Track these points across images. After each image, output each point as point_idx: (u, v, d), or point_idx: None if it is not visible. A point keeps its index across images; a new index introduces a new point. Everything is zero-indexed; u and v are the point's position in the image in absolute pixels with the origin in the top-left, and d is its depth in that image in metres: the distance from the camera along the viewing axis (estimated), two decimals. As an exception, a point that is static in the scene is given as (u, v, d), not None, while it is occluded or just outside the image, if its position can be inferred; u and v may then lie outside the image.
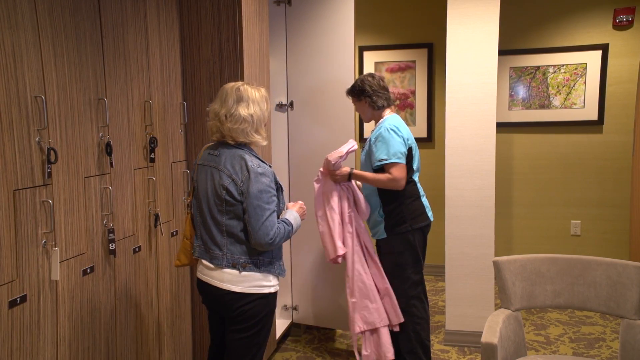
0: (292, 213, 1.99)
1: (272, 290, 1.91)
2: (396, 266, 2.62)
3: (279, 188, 1.91)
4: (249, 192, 1.79)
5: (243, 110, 1.83)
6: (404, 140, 2.53)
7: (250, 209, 1.79)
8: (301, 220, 2.04)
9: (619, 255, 4.02)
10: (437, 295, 4.04)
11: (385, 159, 2.49)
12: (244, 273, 1.85)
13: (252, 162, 1.83)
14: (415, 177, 2.65)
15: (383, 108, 2.65)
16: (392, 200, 2.58)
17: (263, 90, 1.94)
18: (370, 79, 2.65)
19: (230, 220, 1.85)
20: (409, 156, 2.57)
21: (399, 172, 2.49)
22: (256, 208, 1.78)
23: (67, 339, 1.78)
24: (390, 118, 2.61)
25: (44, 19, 1.66)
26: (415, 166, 2.62)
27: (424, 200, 2.67)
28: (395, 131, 2.52)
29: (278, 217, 1.91)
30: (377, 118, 2.67)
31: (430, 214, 2.68)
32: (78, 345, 1.84)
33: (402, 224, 2.58)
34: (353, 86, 2.69)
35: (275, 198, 1.85)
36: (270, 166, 1.95)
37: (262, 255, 1.88)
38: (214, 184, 1.86)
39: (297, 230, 2.00)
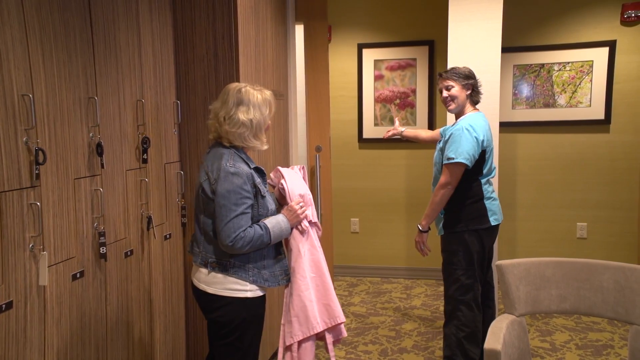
0: (275, 217, 1.89)
1: (248, 295, 1.85)
2: (448, 265, 2.62)
3: (257, 192, 1.85)
4: (217, 191, 1.78)
5: (242, 115, 1.81)
6: (477, 140, 2.49)
7: (216, 208, 1.78)
8: (294, 223, 1.93)
9: (627, 259, 3.94)
10: (438, 300, 3.97)
11: (453, 158, 2.47)
12: (212, 274, 1.84)
13: (227, 161, 1.80)
14: (483, 179, 2.60)
15: (477, 102, 2.64)
16: (453, 198, 2.56)
17: (267, 93, 1.90)
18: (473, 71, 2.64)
19: (205, 218, 1.86)
20: (481, 159, 2.54)
21: (449, 176, 2.50)
22: (222, 208, 1.77)
23: (55, 346, 1.73)
24: (470, 116, 2.57)
25: (31, 15, 1.63)
26: (485, 169, 2.59)
27: (490, 202, 2.61)
28: (469, 130, 2.48)
29: (257, 222, 1.85)
30: (461, 113, 2.62)
31: (493, 217, 2.61)
32: (67, 353, 1.79)
33: (457, 224, 2.58)
34: (459, 68, 2.61)
35: (247, 200, 1.80)
36: (259, 168, 1.90)
37: (233, 257, 1.84)
38: (197, 181, 1.90)
39: (282, 236, 1.90)
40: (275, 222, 1.87)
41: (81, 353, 1.86)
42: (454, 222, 2.59)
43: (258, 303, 1.90)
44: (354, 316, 3.69)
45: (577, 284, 2.15)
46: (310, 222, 2.02)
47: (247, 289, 1.85)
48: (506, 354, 1.94)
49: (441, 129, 2.86)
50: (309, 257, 2.00)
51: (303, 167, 2.14)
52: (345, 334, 2.10)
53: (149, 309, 2.28)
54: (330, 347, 2.05)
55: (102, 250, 1.94)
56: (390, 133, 3.11)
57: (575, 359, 3.01)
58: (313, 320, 1.97)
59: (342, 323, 2.04)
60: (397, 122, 3.16)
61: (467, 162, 2.48)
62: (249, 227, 1.80)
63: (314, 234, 2.04)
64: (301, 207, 1.95)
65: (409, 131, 3.12)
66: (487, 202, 2.61)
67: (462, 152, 2.47)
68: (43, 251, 1.66)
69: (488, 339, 1.94)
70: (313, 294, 1.98)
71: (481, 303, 2.68)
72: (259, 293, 1.89)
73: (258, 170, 1.91)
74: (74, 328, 1.83)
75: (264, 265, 1.89)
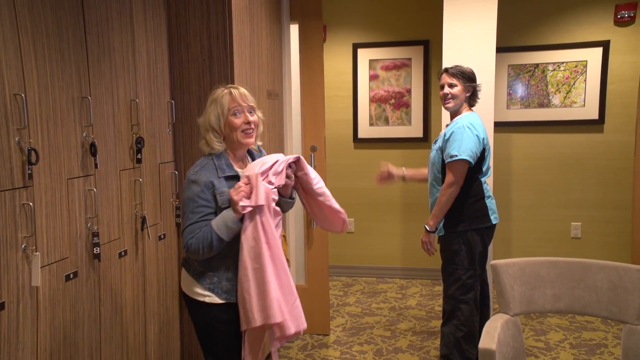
0: (221, 214, 1.74)
1: (206, 299, 1.83)
2: (449, 264, 2.64)
3: (216, 201, 1.76)
4: (182, 199, 1.83)
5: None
6: (478, 138, 2.53)
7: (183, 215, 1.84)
8: (235, 209, 1.71)
9: (621, 259, 3.96)
10: (433, 300, 3.98)
11: (456, 155, 2.49)
12: (183, 272, 1.90)
13: (193, 168, 1.81)
14: (483, 178, 2.63)
15: (472, 105, 2.68)
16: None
17: (221, 90, 1.82)
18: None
19: None
20: (481, 157, 2.57)
21: (454, 175, 2.50)
22: (183, 215, 1.82)
23: (48, 348, 1.72)
24: (468, 115, 2.60)
25: (23, 14, 1.61)
26: (484, 167, 2.62)
27: (489, 201, 2.65)
28: (470, 129, 2.52)
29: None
30: (456, 112, 2.65)
31: (494, 216, 2.65)
32: (60, 354, 1.77)
33: (460, 223, 2.59)
34: (464, 68, 2.64)
35: (204, 209, 1.75)
36: (233, 176, 1.80)
37: (197, 261, 1.84)
38: None
39: (231, 227, 1.72)
40: (220, 216, 1.74)
41: (74, 354, 1.84)
42: (456, 221, 2.60)
43: (222, 309, 1.83)
44: (349, 316, 3.68)
45: (572, 283, 2.15)
46: (259, 206, 1.72)
47: (205, 294, 1.83)
48: (501, 353, 1.94)
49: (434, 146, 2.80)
50: (251, 245, 1.75)
51: (299, 157, 1.84)
52: (289, 333, 1.78)
53: (143, 310, 2.26)
54: (274, 349, 1.84)
55: (96, 250, 1.92)
56: (392, 181, 2.91)
57: (570, 358, 3.02)
58: (250, 314, 1.75)
59: (278, 323, 1.75)
60: (393, 168, 2.87)
61: (471, 159, 2.50)
62: (199, 231, 1.74)
63: (265, 220, 1.75)
64: (240, 190, 1.72)
65: (409, 171, 2.90)
66: (487, 201, 2.64)
67: (465, 149, 2.49)
68: (36, 252, 1.65)
69: (483, 339, 1.94)
70: (253, 287, 1.74)
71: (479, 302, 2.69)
72: (217, 300, 1.82)
73: (235, 178, 1.80)
74: (67, 329, 1.81)
75: (227, 277, 1.83)
